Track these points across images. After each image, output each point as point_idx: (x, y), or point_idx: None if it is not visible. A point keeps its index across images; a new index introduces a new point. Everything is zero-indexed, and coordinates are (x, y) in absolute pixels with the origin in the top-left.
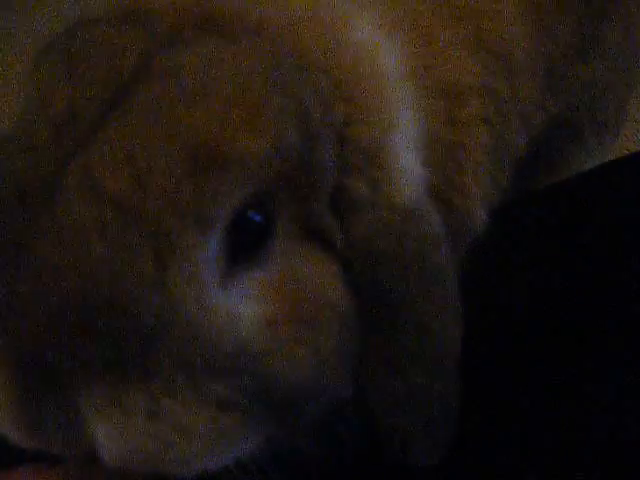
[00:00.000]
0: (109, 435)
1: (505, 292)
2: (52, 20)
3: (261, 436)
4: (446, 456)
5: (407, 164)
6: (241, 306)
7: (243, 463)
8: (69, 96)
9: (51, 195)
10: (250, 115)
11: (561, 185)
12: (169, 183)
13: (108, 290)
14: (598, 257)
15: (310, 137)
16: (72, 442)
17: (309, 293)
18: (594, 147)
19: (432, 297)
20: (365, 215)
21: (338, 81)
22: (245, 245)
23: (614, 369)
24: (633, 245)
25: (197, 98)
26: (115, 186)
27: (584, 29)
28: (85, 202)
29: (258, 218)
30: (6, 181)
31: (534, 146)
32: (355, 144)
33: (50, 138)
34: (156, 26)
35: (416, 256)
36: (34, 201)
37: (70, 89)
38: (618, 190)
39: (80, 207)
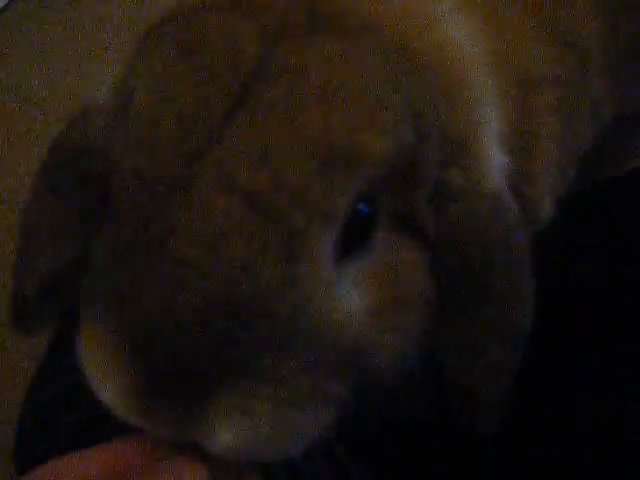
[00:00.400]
0: (233, 438)
1: (570, 280)
2: None
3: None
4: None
5: (494, 153)
6: (353, 299)
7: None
8: (194, 90)
9: (185, 191)
10: (374, 116)
11: (627, 176)
12: (301, 181)
13: (249, 291)
14: None
15: (422, 137)
16: (182, 432)
17: (405, 281)
18: None
19: (514, 279)
20: (459, 203)
21: (443, 80)
22: (354, 236)
23: None
24: None
25: (324, 98)
26: (251, 183)
27: None
28: (222, 198)
29: (366, 210)
30: (130, 176)
31: (600, 139)
32: (453, 137)
33: (178, 133)
34: (266, 18)
35: (501, 239)
36: (164, 197)
37: (194, 83)
38: None
39: (218, 202)
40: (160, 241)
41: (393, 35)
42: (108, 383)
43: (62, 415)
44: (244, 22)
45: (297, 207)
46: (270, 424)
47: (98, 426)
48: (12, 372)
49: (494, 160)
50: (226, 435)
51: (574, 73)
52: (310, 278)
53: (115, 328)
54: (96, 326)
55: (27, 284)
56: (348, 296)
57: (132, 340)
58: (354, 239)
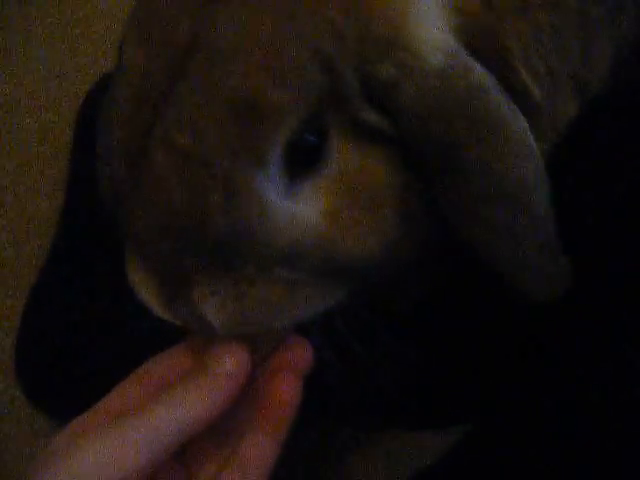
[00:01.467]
0: (216, 312)
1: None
2: None
3: (338, 297)
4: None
5: (427, 33)
6: (301, 205)
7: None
8: (142, 66)
9: (143, 154)
10: (278, 72)
11: None
12: (220, 132)
13: (194, 216)
14: None
15: (334, 70)
16: (193, 319)
17: (363, 184)
18: None
19: (487, 140)
20: (399, 91)
21: (358, 9)
22: (304, 160)
23: None
24: None
25: (231, 60)
26: (183, 141)
27: None
28: (165, 157)
29: (313, 138)
30: (110, 143)
31: None
32: (375, 37)
33: (134, 107)
34: None
35: (462, 106)
36: (132, 161)
37: (142, 59)
38: None
39: (162, 160)
40: (133, 188)
41: None
42: (139, 288)
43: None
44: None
45: (221, 153)
46: (233, 296)
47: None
48: None
49: (434, 39)
50: (210, 308)
51: None
52: (245, 202)
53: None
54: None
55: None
56: (305, 209)
57: (140, 249)
58: (305, 162)
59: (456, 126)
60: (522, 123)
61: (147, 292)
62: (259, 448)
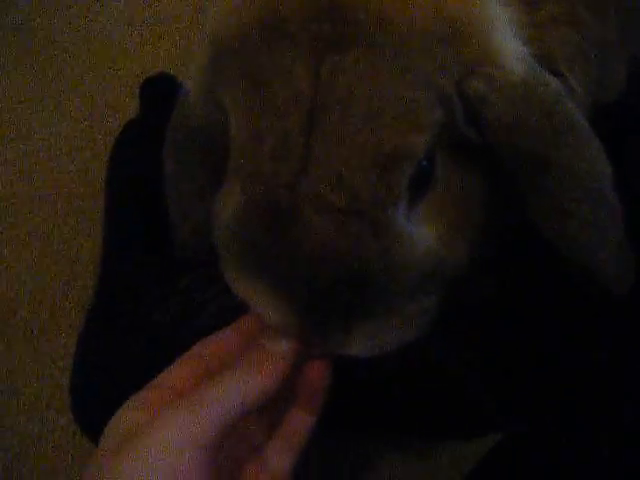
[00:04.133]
0: (366, 342)
1: None
2: None
3: (434, 310)
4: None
5: (510, 47)
6: (426, 233)
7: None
8: (275, 128)
9: (294, 213)
10: (411, 121)
11: None
12: (371, 185)
13: (356, 264)
14: None
15: (447, 99)
16: (323, 346)
17: (465, 200)
18: None
19: (569, 142)
20: (488, 104)
21: (453, 37)
22: (420, 185)
23: None
24: None
25: (369, 117)
26: (339, 201)
27: None
28: (321, 216)
29: (425, 164)
30: (251, 209)
31: None
32: (465, 60)
33: (273, 169)
34: (297, 38)
35: (546, 112)
36: (280, 221)
37: (273, 121)
38: None
39: (319, 219)
40: (288, 245)
41: (405, 23)
42: (277, 310)
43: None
44: (286, 51)
45: (372, 202)
46: (389, 336)
47: None
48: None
49: (514, 52)
50: (360, 345)
51: None
52: (393, 241)
53: (275, 282)
54: (259, 281)
55: (182, 234)
56: (423, 232)
57: (291, 286)
58: (420, 187)
59: (542, 132)
60: (587, 123)
61: (291, 323)
62: (298, 421)
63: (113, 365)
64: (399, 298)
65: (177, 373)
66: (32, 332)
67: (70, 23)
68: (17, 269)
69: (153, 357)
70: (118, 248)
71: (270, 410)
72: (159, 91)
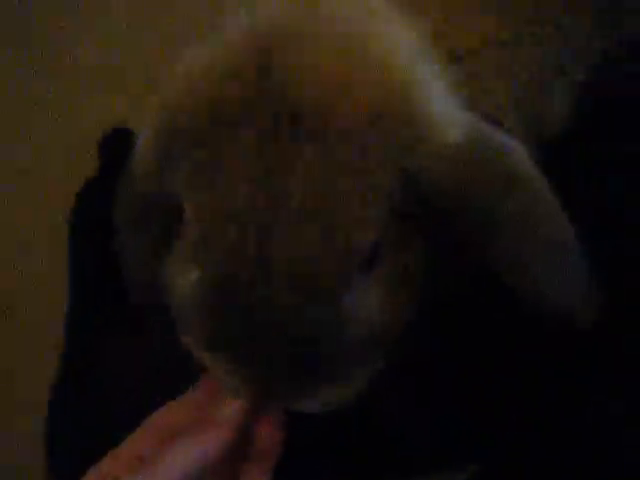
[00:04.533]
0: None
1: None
2: None
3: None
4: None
5: (445, 113)
6: (367, 303)
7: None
8: (223, 229)
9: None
10: (357, 218)
11: None
12: (321, 276)
13: (304, 340)
14: None
15: (392, 193)
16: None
17: (408, 261)
18: None
19: (516, 196)
20: (426, 177)
21: (388, 123)
22: (366, 264)
23: None
24: None
25: (316, 218)
26: (289, 294)
27: None
28: (274, 302)
29: (374, 245)
30: (205, 291)
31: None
32: (401, 145)
33: (225, 262)
34: (244, 134)
35: (488, 174)
36: (234, 302)
37: (220, 221)
38: None
39: (271, 305)
40: (255, 319)
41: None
42: (232, 375)
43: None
44: (236, 146)
45: (321, 295)
46: (345, 392)
47: None
48: None
49: (449, 120)
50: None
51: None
52: (344, 320)
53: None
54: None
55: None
56: (369, 304)
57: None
58: (367, 265)
59: (488, 193)
60: (533, 167)
61: (245, 387)
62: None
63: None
64: (346, 365)
65: (139, 440)
66: None
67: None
68: None
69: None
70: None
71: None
72: (118, 147)
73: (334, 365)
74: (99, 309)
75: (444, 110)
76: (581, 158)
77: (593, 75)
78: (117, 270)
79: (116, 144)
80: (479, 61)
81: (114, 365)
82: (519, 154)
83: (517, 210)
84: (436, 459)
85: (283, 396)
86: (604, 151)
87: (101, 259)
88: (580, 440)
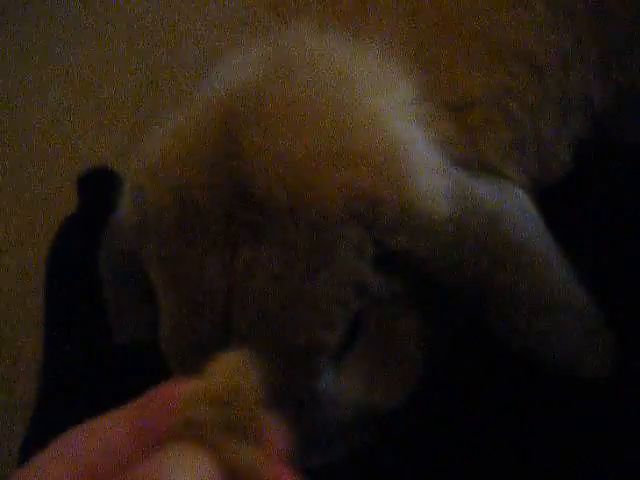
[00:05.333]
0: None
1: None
2: None
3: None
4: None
5: (433, 185)
6: (348, 382)
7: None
8: (191, 326)
9: None
10: (324, 319)
11: None
12: (288, 374)
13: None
14: None
15: (363, 285)
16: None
17: (395, 342)
18: None
19: (508, 265)
20: (412, 256)
21: (368, 207)
22: (345, 343)
23: None
24: None
25: (282, 318)
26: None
27: None
28: None
29: (352, 323)
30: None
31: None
32: (382, 223)
33: (192, 358)
34: (211, 229)
35: (479, 245)
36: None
37: (187, 316)
38: None
39: None
40: None
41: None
42: None
43: None
44: (200, 245)
45: (290, 389)
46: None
47: None
48: None
49: (438, 192)
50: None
51: (526, 82)
52: (315, 407)
53: None
54: None
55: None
56: (351, 384)
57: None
58: (346, 345)
59: (478, 264)
60: (530, 226)
61: None
62: None
63: None
64: (326, 443)
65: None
66: None
67: (9, 111)
68: None
69: None
70: (58, 344)
71: None
72: (98, 185)
73: (312, 444)
74: (70, 349)
75: (432, 182)
76: (584, 203)
77: (596, 124)
78: (91, 310)
79: (95, 183)
80: (479, 111)
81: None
82: (513, 216)
83: (507, 281)
84: None
85: None
86: (606, 198)
87: (75, 304)
88: None
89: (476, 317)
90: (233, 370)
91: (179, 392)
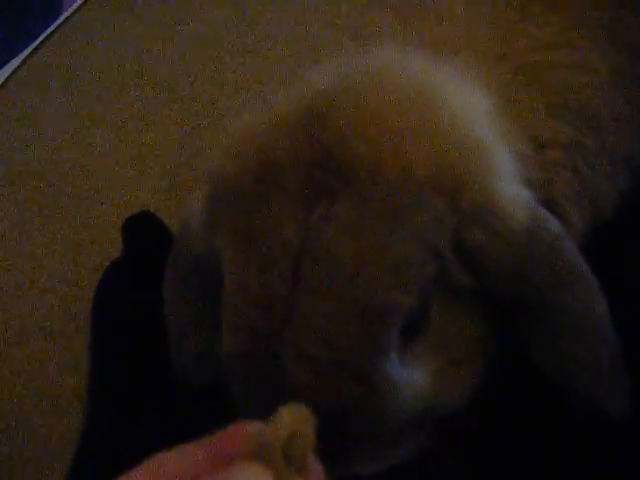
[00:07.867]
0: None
1: None
2: None
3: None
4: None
5: (511, 192)
6: (413, 373)
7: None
8: (259, 278)
9: (276, 363)
10: (402, 277)
11: None
12: (350, 337)
13: (328, 407)
14: None
15: (440, 254)
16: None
17: (460, 338)
18: None
19: (567, 286)
20: (486, 253)
21: (452, 185)
22: (412, 329)
23: None
24: None
25: (354, 274)
26: (316, 350)
27: None
28: (300, 367)
29: (417, 310)
30: (235, 354)
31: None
32: (463, 211)
33: (258, 318)
34: (289, 187)
35: (545, 261)
36: (263, 366)
37: (257, 272)
38: None
39: (298, 370)
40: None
41: (398, 176)
42: None
43: None
44: (276, 201)
45: (353, 353)
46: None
47: None
48: None
49: (515, 199)
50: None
51: (588, 138)
52: (377, 389)
53: None
54: None
55: (182, 359)
56: (415, 375)
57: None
58: (413, 330)
59: (541, 278)
60: (583, 261)
61: None
62: None
63: None
64: (381, 442)
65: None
66: None
67: (54, 156)
68: None
69: None
70: (101, 393)
71: None
72: (141, 230)
73: (366, 446)
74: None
75: (514, 189)
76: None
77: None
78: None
79: (139, 228)
80: (556, 153)
81: None
82: (570, 241)
83: (564, 301)
84: None
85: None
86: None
87: (124, 354)
88: None
89: (520, 333)
90: (295, 418)
91: (250, 430)
